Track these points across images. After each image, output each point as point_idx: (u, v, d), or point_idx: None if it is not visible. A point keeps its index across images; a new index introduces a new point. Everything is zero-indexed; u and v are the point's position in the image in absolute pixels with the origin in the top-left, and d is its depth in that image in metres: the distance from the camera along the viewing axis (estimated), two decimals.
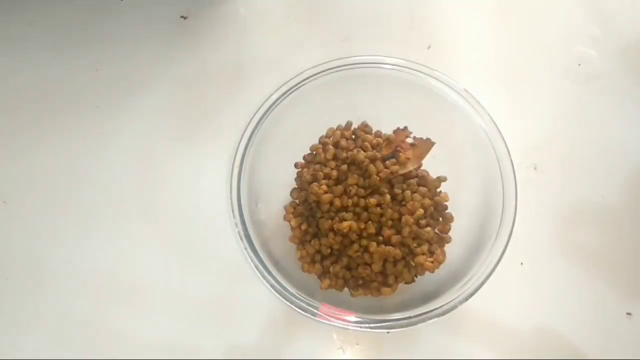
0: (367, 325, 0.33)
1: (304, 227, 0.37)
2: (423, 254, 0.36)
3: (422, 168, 0.38)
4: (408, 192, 0.36)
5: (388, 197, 0.36)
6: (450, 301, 0.34)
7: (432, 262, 0.36)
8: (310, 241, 0.37)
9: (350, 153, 0.37)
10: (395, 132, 0.39)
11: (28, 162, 0.43)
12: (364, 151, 0.37)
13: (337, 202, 0.36)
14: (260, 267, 0.34)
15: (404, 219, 0.35)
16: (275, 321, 0.39)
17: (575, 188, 0.42)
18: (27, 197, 0.43)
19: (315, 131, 0.40)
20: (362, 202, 0.36)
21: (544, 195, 0.42)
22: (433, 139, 0.39)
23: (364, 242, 0.36)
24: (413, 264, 0.36)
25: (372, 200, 0.35)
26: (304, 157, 0.39)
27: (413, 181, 0.37)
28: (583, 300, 0.39)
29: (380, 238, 0.36)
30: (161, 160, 0.43)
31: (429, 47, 0.46)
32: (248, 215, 0.36)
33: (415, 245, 0.36)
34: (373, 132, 0.39)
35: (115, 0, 0.48)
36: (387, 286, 0.37)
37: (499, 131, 0.37)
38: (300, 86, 0.38)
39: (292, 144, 0.40)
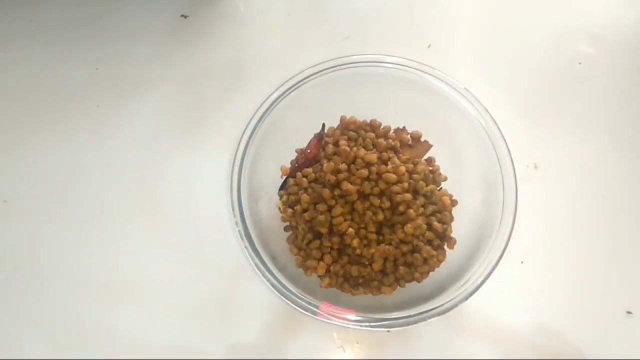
0: (367, 324, 0.33)
1: (303, 229, 0.37)
2: (424, 253, 0.36)
3: None
4: (409, 194, 0.36)
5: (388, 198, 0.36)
6: (451, 300, 0.34)
7: (434, 261, 0.36)
8: (310, 243, 0.37)
9: (352, 152, 0.37)
10: (395, 131, 0.39)
11: (28, 161, 0.43)
12: (365, 150, 0.37)
13: (338, 204, 0.36)
14: (261, 266, 0.34)
15: (403, 218, 0.35)
16: (276, 320, 0.39)
17: (576, 187, 0.42)
18: (27, 196, 0.43)
19: (315, 130, 0.40)
20: (362, 202, 0.36)
21: (544, 194, 0.42)
22: (433, 138, 0.39)
23: (364, 241, 0.36)
24: (413, 263, 0.36)
25: (373, 200, 0.35)
26: (291, 162, 0.39)
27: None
28: (583, 299, 0.39)
29: (381, 238, 0.36)
30: (161, 159, 0.43)
31: (429, 46, 0.46)
32: (248, 214, 0.36)
33: (415, 244, 0.36)
34: (382, 127, 0.39)
35: None
36: (387, 285, 0.37)
37: (500, 130, 0.37)
38: (301, 85, 0.38)
39: (293, 143, 0.40)
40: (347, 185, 0.35)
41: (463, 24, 0.47)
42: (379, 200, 0.35)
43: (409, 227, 0.35)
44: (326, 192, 0.36)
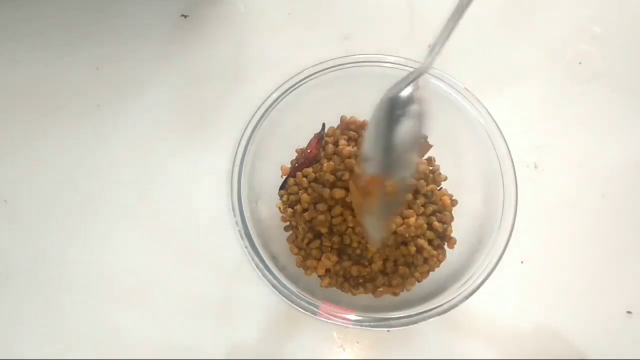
0: (367, 323, 0.33)
1: (303, 228, 0.37)
2: (424, 253, 0.36)
3: None
4: (409, 194, 0.36)
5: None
6: (451, 300, 0.34)
7: (434, 261, 0.36)
8: (310, 242, 0.37)
9: (352, 155, 0.36)
10: None
11: (28, 161, 0.43)
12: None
13: (337, 204, 0.36)
14: (261, 266, 0.34)
15: (404, 218, 0.35)
16: (276, 320, 0.39)
17: (576, 186, 0.42)
18: (27, 196, 0.42)
19: (315, 130, 0.40)
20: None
21: (544, 193, 0.42)
22: (433, 138, 0.39)
23: (364, 241, 0.36)
24: (413, 263, 0.36)
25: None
26: (291, 162, 0.39)
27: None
28: (583, 299, 0.39)
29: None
30: (161, 159, 0.43)
31: (429, 46, 0.46)
32: (248, 214, 0.36)
33: (416, 243, 0.36)
34: None
35: None
36: (387, 285, 0.37)
37: (500, 130, 0.37)
38: (301, 85, 0.38)
39: (293, 143, 0.40)
40: (340, 193, 0.35)
41: (463, 23, 0.47)
42: None
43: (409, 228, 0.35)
44: (326, 192, 0.36)
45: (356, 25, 0.47)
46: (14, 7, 0.47)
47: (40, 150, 0.44)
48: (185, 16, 0.47)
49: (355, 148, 0.36)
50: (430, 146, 0.39)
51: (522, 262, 0.40)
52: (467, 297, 0.34)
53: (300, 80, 0.38)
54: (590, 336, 0.39)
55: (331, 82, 0.38)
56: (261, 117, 0.37)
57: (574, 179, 0.42)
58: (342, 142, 0.38)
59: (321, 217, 0.35)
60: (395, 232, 0.35)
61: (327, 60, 0.38)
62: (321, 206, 0.36)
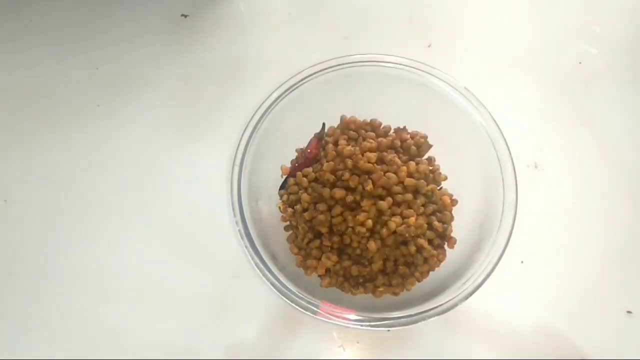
0: (367, 323, 0.33)
1: (303, 228, 0.37)
2: (424, 253, 0.36)
3: None
4: (409, 194, 0.36)
5: (390, 199, 0.36)
6: (451, 299, 0.34)
7: (434, 261, 0.36)
8: (310, 242, 0.37)
9: (352, 155, 0.37)
10: (395, 131, 0.39)
11: (28, 160, 0.43)
12: (365, 152, 0.37)
13: (338, 204, 0.36)
14: (261, 266, 0.34)
15: (404, 218, 0.35)
16: (276, 320, 0.39)
17: (576, 186, 0.42)
18: (27, 195, 0.43)
19: (315, 130, 0.40)
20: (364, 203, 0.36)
21: (544, 193, 0.42)
22: (433, 138, 0.39)
23: (364, 241, 0.36)
24: (414, 263, 0.36)
25: (380, 202, 0.35)
26: (291, 162, 0.39)
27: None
28: (583, 299, 0.39)
29: (380, 237, 0.36)
30: (161, 159, 0.43)
31: (429, 46, 0.46)
32: (248, 214, 0.36)
33: (416, 243, 0.36)
34: (382, 126, 0.39)
35: None
36: (387, 285, 0.37)
37: (500, 129, 0.37)
38: (301, 84, 0.38)
39: (293, 143, 0.40)
40: (340, 193, 0.35)
41: (463, 24, 0.47)
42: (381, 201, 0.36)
43: (409, 227, 0.35)
44: (326, 192, 0.36)
45: (356, 25, 0.47)
46: (14, 7, 0.47)
47: (40, 149, 0.44)
48: (185, 16, 0.47)
49: (355, 148, 0.36)
50: (430, 146, 0.39)
51: (522, 262, 0.40)
52: (467, 297, 0.34)
53: (300, 80, 0.38)
54: (590, 336, 0.39)
55: (331, 82, 0.38)
56: (261, 117, 0.37)
57: (574, 179, 0.42)
58: (342, 142, 0.38)
59: (321, 217, 0.35)
60: (395, 232, 0.35)
61: (327, 61, 0.38)
62: (321, 206, 0.36)
